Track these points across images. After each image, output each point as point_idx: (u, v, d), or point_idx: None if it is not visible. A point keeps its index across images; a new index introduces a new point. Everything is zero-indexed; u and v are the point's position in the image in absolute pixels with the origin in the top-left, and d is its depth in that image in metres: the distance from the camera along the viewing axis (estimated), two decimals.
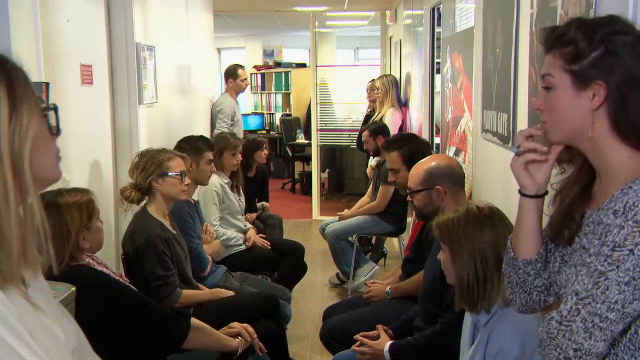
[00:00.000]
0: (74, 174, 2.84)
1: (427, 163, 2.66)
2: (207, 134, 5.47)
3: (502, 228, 1.81)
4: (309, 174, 8.17)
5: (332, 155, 8.48)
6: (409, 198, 2.71)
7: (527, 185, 1.28)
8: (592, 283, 1.10)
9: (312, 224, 7.21)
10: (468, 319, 1.95)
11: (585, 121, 1.18)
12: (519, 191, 1.29)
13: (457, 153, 3.51)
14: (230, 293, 3.08)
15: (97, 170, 3.23)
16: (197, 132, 3.81)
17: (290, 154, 9.44)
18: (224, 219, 4.01)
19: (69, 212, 2.10)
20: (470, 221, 1.82)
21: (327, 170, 8.58)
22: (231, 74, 5.87)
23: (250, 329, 2.49)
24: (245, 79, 5.92)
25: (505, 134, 2.46)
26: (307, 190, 8.61)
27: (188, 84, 5.18)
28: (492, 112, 2.70)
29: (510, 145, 2.38)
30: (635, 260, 1.06)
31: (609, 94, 1.15)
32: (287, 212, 7.50)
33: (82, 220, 2.13)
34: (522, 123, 2.24)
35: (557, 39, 1.20)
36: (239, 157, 4.11)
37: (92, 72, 3.08)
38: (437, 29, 4.36)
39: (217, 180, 3.96)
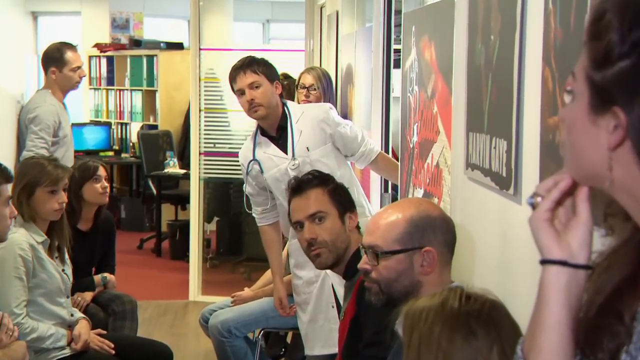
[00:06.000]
0: None
1: (405, 210, 2.68)
2: (11, 158, 5.30)
3: (491, 339, 1.83)
4: (186, 225, 8.11)
5: (225, 196, 8.41)
6: (365, 265, 2.68)
7: (548, 245, 1.28)
8: None
9: (189, 308, 7.25)
10: None
11: (601, 162, 1.19)
12: (540, 260, 1.28)
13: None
14: None
15: None
16: None
17: (155, 192, 9.45)
18: (34, 304, 3.99)
19: None
20: (441, 319, 1.85)
21: (216, 219, 8.51)
22: (53, 58, 5.80)
23: None
24: (79, 67, 5.87)
25: (504, 174, 2.47)
26: (180, 253, 8.60)
27: None
28: (482, 137, 2.71)
29: (511, 191, 2.39)
30: None
31: (629, 127, 1.14)
32: (147, 289, 7.54)
33: None
34: (531, 156, 2.24)
35: (592, 25, 1.20)
36: (64, 197, 4.11)
37: None
38: None
39: (23, 239, 3.92)
